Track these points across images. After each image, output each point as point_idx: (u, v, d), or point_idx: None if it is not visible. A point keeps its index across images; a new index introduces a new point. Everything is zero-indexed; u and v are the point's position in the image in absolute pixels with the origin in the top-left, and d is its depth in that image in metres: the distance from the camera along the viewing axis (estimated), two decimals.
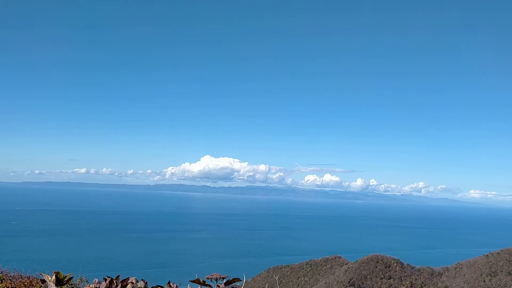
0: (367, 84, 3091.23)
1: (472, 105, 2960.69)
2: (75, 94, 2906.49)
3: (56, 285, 5.17)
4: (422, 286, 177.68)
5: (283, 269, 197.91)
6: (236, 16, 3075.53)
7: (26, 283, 16.76)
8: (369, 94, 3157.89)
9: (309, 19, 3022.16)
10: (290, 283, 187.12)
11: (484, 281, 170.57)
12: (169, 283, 6.02)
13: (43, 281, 5.33)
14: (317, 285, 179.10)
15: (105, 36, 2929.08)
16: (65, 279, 5.52)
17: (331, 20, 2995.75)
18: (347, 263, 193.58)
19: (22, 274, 22.20)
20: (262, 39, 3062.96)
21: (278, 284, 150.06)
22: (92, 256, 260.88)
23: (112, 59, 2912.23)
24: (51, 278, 5.37)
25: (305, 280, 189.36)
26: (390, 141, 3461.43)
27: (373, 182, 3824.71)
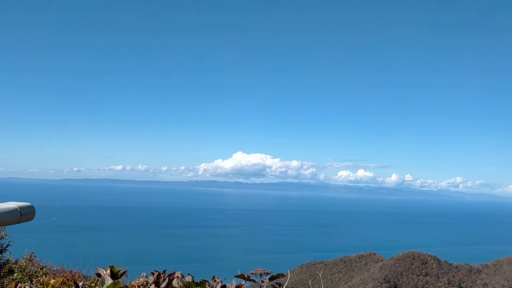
0: (402, 79, 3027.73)
1: (508, 94, 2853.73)
2: (109, 94, 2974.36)
3: (111, 278, 5.22)
4: (460, 284, 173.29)
5: (317, 265, 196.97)
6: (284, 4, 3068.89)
7: (68, 277, 17.32)
8: (404, 89, 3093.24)
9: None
10: (324, 280, 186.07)
11: None
12: (214, 277, 6.02)
13: (99, 275, 5.35)
14: (352, 282, 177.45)
15: (136, 24, 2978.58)
16: (120, 272, 5.59)
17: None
18: (382, 260, 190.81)
19: (64, 268, 22.95)
20: (299, 31, 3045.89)
21: (320, 280, 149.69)
22: (128, 251, 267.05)
23: (142, 48, 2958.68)
24: (106, 271, 5.39)
25: (339, 277, 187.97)
26: (426, 135, 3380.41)
27: (408, 177, 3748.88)
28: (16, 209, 7.23)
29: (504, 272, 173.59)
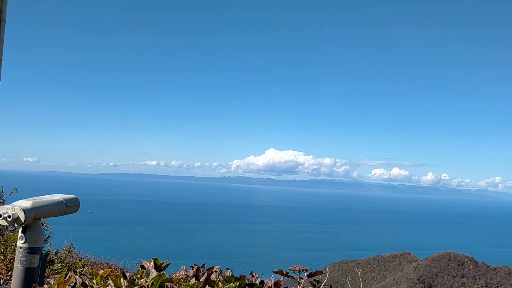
0: (437, 76, 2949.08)
1: None
2: (146, 90, 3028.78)
3: (156, 270, 5.37)
4: (498, 286, 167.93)
5: (349, 263, 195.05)
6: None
7: (105, 268, 17.75)
8: (440, 86, 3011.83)
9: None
10: (356, 279, 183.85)
11: None
12: (252, 273, 6.11)
13: (143, 267, 5.55)
14: (385, 281, 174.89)
15: (171, 21, 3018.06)
16: (163, 265, 5.77)
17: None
18: (416, 260, 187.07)
19: (101, 260, 23.51)
20: (323, 28, 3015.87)
21: (359, 278, 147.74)
22: (162, 245, 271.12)
23: (186, 45, 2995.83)
24: (150, 264, 5.57)
25: (372, 276, 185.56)
26: (463, 132, 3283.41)
27: (445, 176, 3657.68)
28: (62, 201, 7.52)
29: None
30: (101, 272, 5.39)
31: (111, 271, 5.87)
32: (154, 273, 5.20)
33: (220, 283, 5.60)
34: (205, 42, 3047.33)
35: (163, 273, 5.24)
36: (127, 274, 5.39)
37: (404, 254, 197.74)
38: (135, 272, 5.78)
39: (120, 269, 24.56)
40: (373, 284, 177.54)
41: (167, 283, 5.12)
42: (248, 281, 5.93)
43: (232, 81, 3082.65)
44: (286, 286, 6.23)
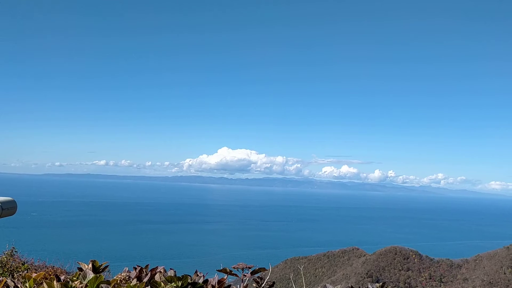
0: (384, 73, 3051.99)
1: (492, 93, 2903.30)
2: (92, 85, 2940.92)
3: (93, 273, 5.27)
4: (441, 278, 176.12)
5: (301, 260, 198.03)
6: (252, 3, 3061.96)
7: (50, 273, 17.14)
8: (386, 83, 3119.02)
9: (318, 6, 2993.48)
10: (308, 274, 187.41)
11: (505, 273, 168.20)
12: (196, 272, 6.07)
13: (80, 269, 5.40)
14: (335, 276, 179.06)
15: (124, 24, 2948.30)
16: (101, 267, 5.64)
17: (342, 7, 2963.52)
18: (365, 255, 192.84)
19: (46, 264, 22.76)
20: (276, 27, 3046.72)
21: (302, 274, 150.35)
22: (111, 247, 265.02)
23: (128, 48, 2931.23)
24: (88, 266, 5.44)
25: (323, 272, 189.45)
26: (409, 131, 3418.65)
27: (391, 173, 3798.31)
28: None
29: (484, 267, 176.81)
30: (34, 275, 5.24)
31: (45, 274, 5.95)
32: (91, 275, 5.12)
33: (162, 283, 5.54)
34: (155, 43, 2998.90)
35: (100, 275, 5.17)
36: (62, 277, 5.25)
37: (353, 249, 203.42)
38: (74, 274, 5.77)
39: (66, 272, 23.94)
40: (323, 280, 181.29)
41: (102, 285, 5.04)
42: (191, 280, 5.89)
43: (184, 81, 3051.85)
44: (229, 284, 6.35)
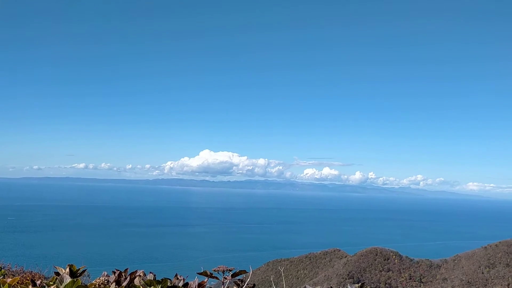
0: (364, 76, 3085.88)
1: (469, 96, 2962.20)
2: (72, 90, 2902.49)
3: (70, 277, 5.18)
4: (420, 278, 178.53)
5: (283, 262, 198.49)
6: (232, 7, 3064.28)
7: (28, 277, 16.81)
8: (367, 86, 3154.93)
9: (306, 10, 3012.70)
10: (290, 276, 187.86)
11: (483, 273, 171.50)
12: (176, 275, 6.03)
13: (57, 274, 5.33)
14: (317, 278, 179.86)
15: (99, 31, 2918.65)
16: (79, 271, 5.59)
17: (327, 11, 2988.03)
18: (346, 256, 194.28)
19: (24, 269, 22.32)
20: (258, 32, 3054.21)
21: (282, 276, 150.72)
22: (92, 251, 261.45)
23: (107, 55, 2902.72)
24: (65, 270, 5.38)
25: (305, 273, 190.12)
26: (388, 133, 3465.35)
27: (371, 175, 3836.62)
28: None
29: (463, 267, 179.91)
30: (9, 280, 5.18)
31: (21, 278, 5.93)
32: (68, 279, 5.05)
33: (141, 287, 5.54)
34: (136, 49, 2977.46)
35: (77, 279, 5.10)
36: (38, 282, 5.17)
37: (334, 250, 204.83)
38: (50, 279, 5.72)
39: (44, 277, 23.51)
40: (305, 281, 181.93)
41: None
42: (171, 283, 5.88)
43: (165, 84, 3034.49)
44: (210, 287, 6.35)
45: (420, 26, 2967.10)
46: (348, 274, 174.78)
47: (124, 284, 5.38)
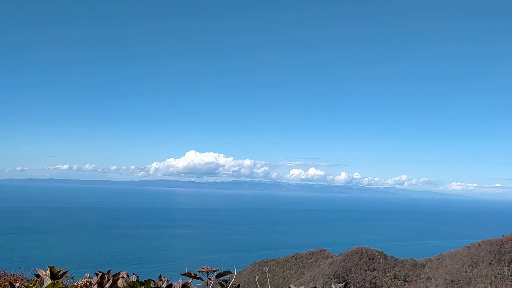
0: (349, 77, 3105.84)
1: (453, 97, 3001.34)
2: (56, 91, 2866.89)
3: (51, 279, 5.16)
4: (405, 278, 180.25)
5: (269, 263, 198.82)
6: (224, 9, 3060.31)
7: (10, 279, 16.53)
8: (352, 87, 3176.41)
9: (290, 11, 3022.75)
10: (276, 277, 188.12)
11: (466, 271, 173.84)
12: (160, 277, 5.98)
13: (38, 276, 5.29)
14: (303, 278, 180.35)
15: (83, 35, 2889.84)
16: (60, 273, 5.54)
17: (310, 12, 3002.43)
18: (331, 256, 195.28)
19: (6, 272, 21.96)
20: (242, 34, 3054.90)
21: (267, 277, 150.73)
22: (76, 253, 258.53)
23: (93, 57, 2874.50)
24: (46, 272, 5.33)
25: (291, 274, 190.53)
26: (374, 134, 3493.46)
27: (357, 175, 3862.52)
28: None
29: (446, 266, 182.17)
30: None
31: (1, 281, 5.90)
32: (48, 281, 5.00)
33: None
34: (121, 52, 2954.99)
35: (57, 281, 5.05)
36: (17, 284, 5.14)
37: (320, 251, 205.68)
38: (31, 281, 5.69)
39: (27, 280, 23.16)
40: (291, 282, 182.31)
41: None
42: (155, 285, 5.86)
43: (150, 86, 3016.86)
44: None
45: (403, 26, 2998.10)
46: (334, 274, 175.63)
47: (107, 286, 5.34)
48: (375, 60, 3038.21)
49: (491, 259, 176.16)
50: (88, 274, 6.13)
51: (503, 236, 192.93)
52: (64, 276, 5.62)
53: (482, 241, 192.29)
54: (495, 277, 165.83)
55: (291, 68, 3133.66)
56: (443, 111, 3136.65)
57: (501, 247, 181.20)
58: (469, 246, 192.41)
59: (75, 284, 5.65)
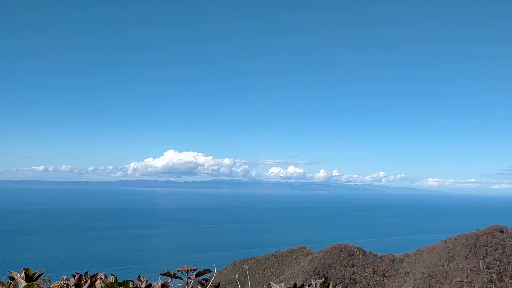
0: (327, 78, 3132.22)
1: (427, 95, 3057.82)
2: (30, 90, 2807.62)
3: (26, 281, 5.10)
4: (384, 273, 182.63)
5: (249, 261, 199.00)
6: (216, 15, 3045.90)
7: None
8: (330, 88, 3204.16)
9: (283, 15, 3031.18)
10: (257, 275, 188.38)
11: (443, 265, 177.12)
12: (139, 277, 5.94)
13: (12, 278, 5.24)
14: (283, 275, 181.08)
15: (70, 40, 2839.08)
16: (35, 275, 5.44)
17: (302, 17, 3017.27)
18: (311, 253, 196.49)
19: None
20: (231, 38, 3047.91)
21: (247, 275, 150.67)
22: (53, 255, 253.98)
23: (70, 61, 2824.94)
24: (20, 275, 5.26)
25: (271, 271, 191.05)
26: (352, 132, 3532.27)
27: (335, 173, 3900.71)
28: None
29: (424, 261, 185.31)
30: None
31: None
32: (23, 284, 4.94)
33: None
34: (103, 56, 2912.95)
35: (32, 284, 4.98)
36: None
37: (300, 248, 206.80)
38: (6, 284, 5.70)
39: (2, 284, 22.42)
40: (272, 280, 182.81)
41: None
42: (133, 285, 5.80)
43: (128, 82, 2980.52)
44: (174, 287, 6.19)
45: (387, 30, 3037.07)
46: (314, 271, 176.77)
47: (85, 287, 5.30)
48: (353, 62, 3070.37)
49: (467, 253, 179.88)
50: (65, 276, 6.04)
51: (478, 230, 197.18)
52: (40, 279, 5.35)
53: (458, 235, 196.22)
54: (471, 270, 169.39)
55: (271, 70, 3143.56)
56: (419, 110, 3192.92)
57: (476, 240, 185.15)
58: (445, 240, 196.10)
59: (51, 286, 5.56)
